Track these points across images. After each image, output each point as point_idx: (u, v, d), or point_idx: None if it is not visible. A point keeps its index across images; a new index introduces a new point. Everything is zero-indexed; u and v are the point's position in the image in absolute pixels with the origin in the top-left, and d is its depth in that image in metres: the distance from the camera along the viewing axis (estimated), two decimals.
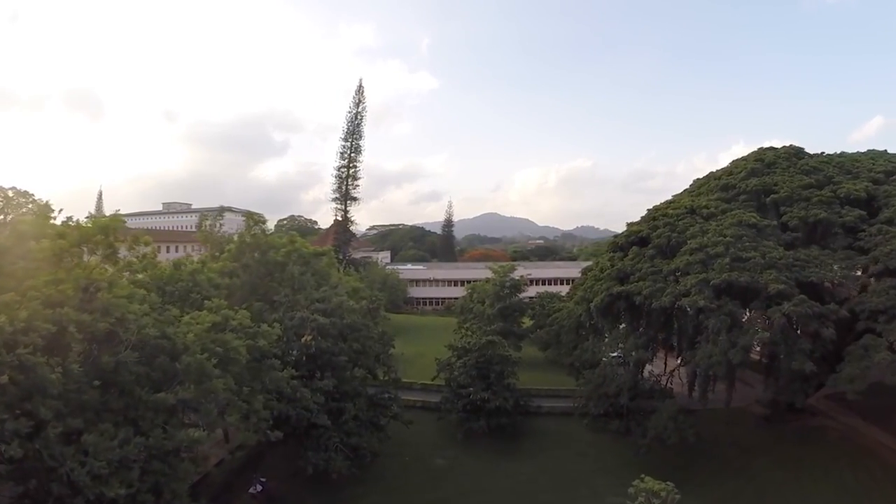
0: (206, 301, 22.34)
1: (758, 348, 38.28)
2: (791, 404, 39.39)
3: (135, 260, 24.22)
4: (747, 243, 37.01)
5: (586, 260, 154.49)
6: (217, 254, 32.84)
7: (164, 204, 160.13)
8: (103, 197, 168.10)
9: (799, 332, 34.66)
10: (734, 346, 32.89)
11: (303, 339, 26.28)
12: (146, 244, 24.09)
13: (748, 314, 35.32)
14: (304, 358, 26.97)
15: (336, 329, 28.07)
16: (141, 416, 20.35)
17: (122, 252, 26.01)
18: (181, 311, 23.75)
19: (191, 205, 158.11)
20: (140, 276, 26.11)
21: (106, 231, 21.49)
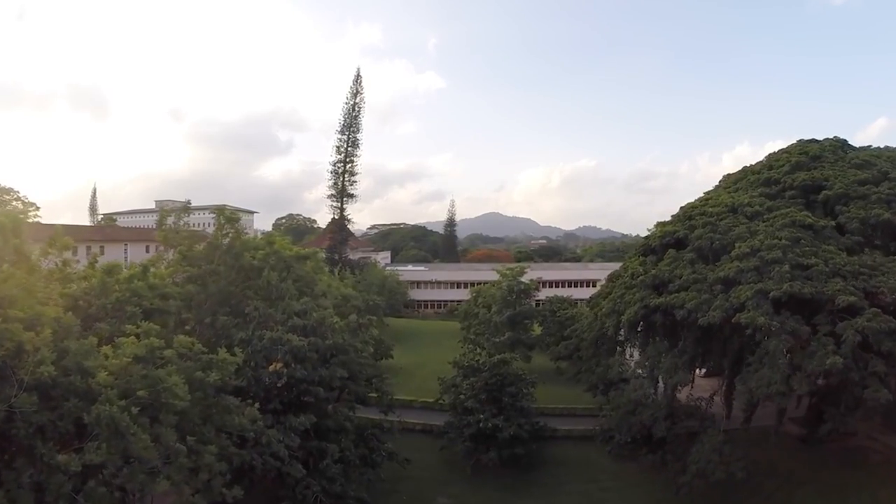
0: (129, 326, 16.76)
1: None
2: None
3: (56, 268, 18.79)
4: (806, 248, 31.65)
5: (591, 261, 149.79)
6: (167, 254, 27.36)
7: (157, 202, 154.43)
8: (97, 194, 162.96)
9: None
10: (796, 371, 27.59)
11: (270, 368, 20.95)
12: (65, 247, 18.63)
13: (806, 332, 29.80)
14: (274, 390, 21.56)
15: (316, 350, 22.65)
16: (47, 481, 15.09)
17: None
18: (117, 331, 18.45)
19: (185, 202, 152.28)
20: (73, 286, 20.84)
21: (4, 231, 16.06)
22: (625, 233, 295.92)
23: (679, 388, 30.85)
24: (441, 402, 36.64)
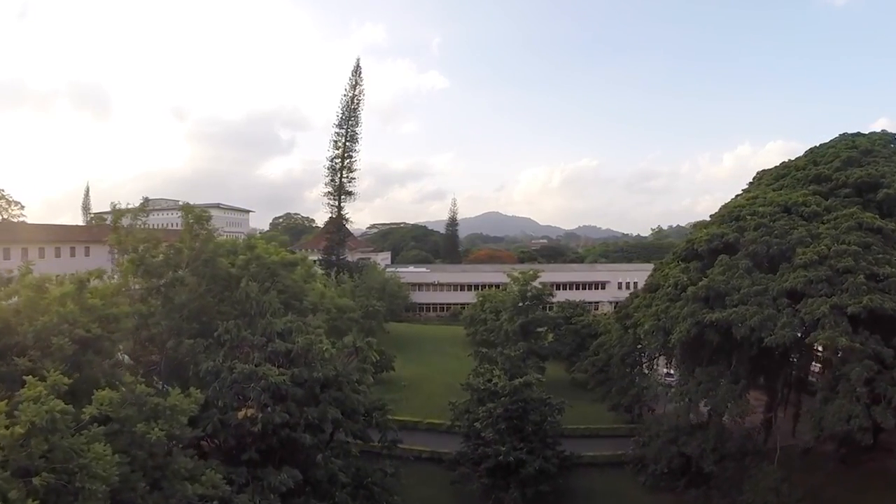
0: (28, 381, 11.92)
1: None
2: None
3: None
4: (878, 254, 27.11)
5: (595, 261, 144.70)
6: (117, 263, 22.59)
7: (149, 200, 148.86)
8: (91, 193, 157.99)
9: None
10: (878, 402, 23.11)
11: (240, 415, 16.31)
12: None
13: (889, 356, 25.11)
14: (248, 436, 16.87)
15: (302, 383, 17.97)
16: None
17: None
18: (40, 370, 13.81)
19: (178, 201, 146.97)
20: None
21: None
22: (625, 232, 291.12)
23: (740, 419, 26.12)
24: (455, 426, 31.74)
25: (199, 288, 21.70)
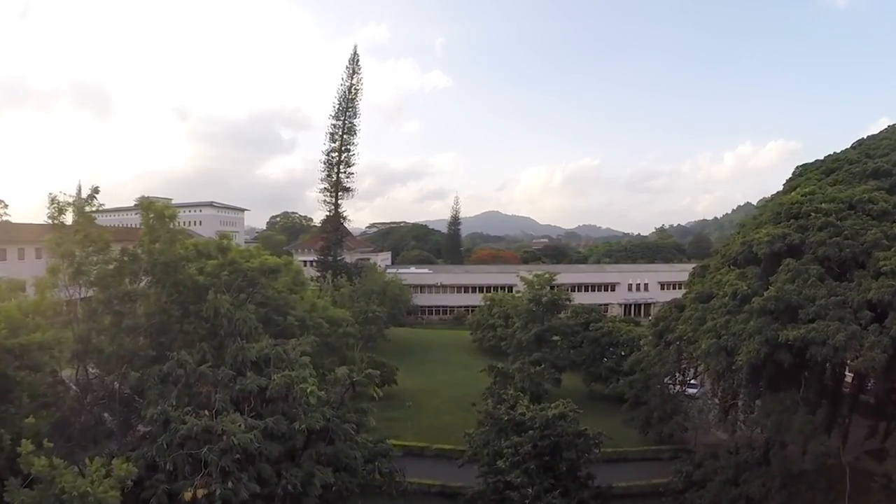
0: None
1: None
2: None
3: None
4: None
5: (599, 261, 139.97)
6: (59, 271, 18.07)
7: (139, 199, 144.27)
8: (82, 192, 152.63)
9: None
10: None
11: (186, 496, 11.89)
12: None
13: None
14: None
15: (280, 436, 13.55)
16: None
17: None
18: None
19: (171, 199, 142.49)
20: None
21: None
22: (626, 232, 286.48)
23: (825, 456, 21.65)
24: (474, 461, 27.06)
25: (159, 301, 17.24)
